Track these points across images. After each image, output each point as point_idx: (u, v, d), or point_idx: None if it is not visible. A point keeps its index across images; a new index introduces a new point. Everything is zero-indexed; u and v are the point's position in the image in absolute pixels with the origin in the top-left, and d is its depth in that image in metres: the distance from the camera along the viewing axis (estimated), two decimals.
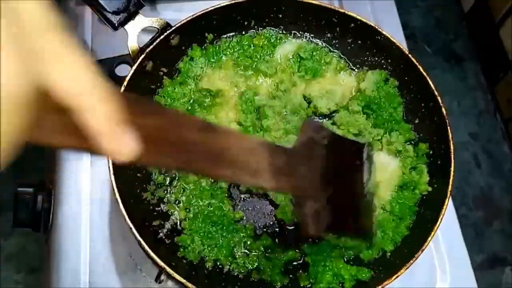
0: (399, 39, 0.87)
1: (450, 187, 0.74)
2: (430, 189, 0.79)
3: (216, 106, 0.85)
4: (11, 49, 0.26)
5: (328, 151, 0.56)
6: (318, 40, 0.90)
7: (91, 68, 0.30)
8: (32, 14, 0.29)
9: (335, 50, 0.90)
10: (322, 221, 0.54)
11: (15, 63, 0.26)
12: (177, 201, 0.79)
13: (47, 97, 0.28)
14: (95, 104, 0.30)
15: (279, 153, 0.51)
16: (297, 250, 0.78)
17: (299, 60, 0.88)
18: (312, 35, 0.90)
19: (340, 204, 0.57)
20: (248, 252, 0.77)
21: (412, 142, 0.84)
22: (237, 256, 0.76)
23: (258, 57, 0.88)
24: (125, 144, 0.32)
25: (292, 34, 0.90)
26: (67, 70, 0.29)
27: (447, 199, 0.73)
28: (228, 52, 0.87)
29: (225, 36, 0.88)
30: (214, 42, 0.88)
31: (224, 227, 0.77)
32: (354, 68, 0.90)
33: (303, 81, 0.87)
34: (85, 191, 0.85)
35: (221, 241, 0.76)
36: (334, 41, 0.90)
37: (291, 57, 0.88)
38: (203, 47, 0.87)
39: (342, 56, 0.90)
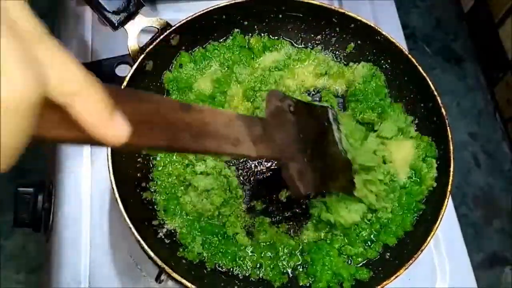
0: (399, 39, 0.87)
1: (449, 187, 0.74)
2: (435, 184, 0.79)
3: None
4: (17, 56, 0.28)
5: (296, 117, 0.61)
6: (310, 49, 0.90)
7: (80, 67, 0.33)
8: (27, 21, 0.31)
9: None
10: (308, 180, 0.59)
11: (22, 70, 0.28)
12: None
13: (46, 98, 0.31)
14: (86, 98, 0.33)
15: (254, 123, 0.55)
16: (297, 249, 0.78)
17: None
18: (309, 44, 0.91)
19: (319, 164, 0.62)
20: (250, 253, 0.77)
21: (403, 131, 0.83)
22: (238, 257, 0.76)
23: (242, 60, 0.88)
24: (117, 128, 0.35)
25: (289, 41, 0.90)
26: (63, 73, 0.32)
27: (446, 199, 0.73)
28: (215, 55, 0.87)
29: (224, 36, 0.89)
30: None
31: (225, 235, 0.77)
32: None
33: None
34: (85, 191, 0.85)
35: (222, 247, 0.76)
36: (332, 42, 0.90)
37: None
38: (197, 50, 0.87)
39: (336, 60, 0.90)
